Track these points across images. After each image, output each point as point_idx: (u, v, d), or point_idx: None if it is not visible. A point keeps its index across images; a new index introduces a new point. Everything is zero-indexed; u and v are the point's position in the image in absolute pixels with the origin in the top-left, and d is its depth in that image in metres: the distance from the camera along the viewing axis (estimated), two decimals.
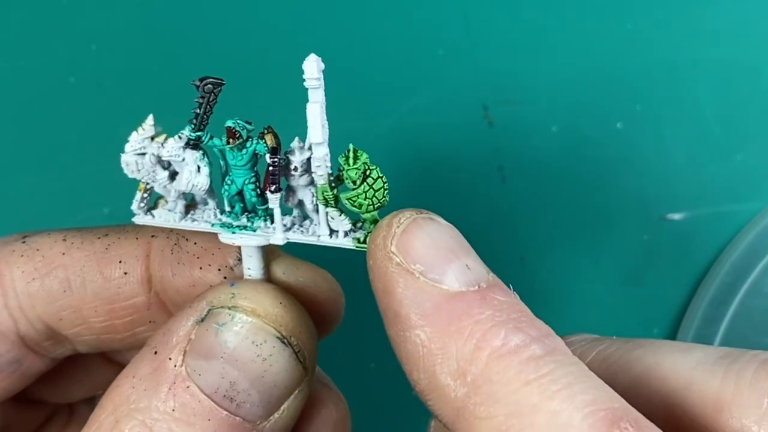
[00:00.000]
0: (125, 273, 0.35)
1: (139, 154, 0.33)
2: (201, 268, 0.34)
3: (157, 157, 0.33)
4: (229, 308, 0.30)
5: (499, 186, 0.53)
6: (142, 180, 0.33)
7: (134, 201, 0.34)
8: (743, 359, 0.27)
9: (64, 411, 0.42)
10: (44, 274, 0.34)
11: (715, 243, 0.52)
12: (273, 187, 0.32)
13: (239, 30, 0.53)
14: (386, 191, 0.31)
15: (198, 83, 0.31)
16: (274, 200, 0.32)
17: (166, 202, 0.34)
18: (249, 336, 0.30)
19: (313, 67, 0.34)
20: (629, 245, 0.52)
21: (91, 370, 0.41)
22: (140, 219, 0.34)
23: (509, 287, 0.27)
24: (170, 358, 0.30)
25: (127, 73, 0.53)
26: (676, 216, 0.53)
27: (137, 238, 0.35)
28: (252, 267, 0.33)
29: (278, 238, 0.33)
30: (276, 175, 0.32)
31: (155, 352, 0.30)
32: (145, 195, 0.34)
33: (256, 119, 0.55)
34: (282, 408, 0.31)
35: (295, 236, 0.33)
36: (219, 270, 0.34)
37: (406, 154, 0.53)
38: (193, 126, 0.32)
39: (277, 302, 0.31)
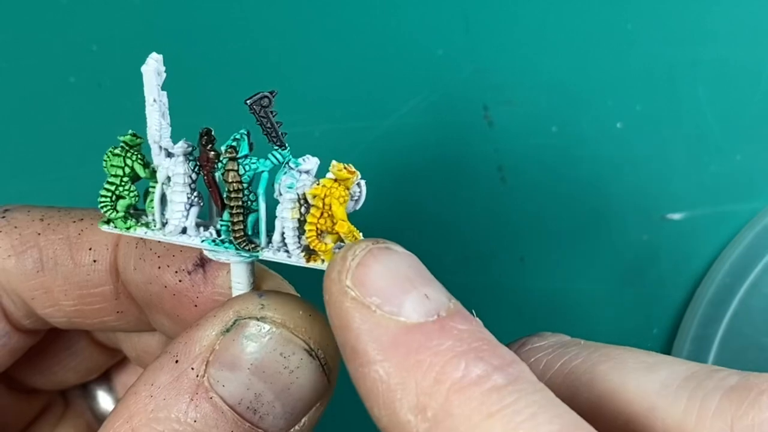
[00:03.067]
0: (94, 261, 0.35)
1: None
2: (159, 267, 0.34)
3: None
4: (258, 319, 0.30)
5: (499, 186, 0.53)
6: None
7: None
8: (709, 385, 0.26)
9: (58, 402, 0.43)
10: (20, 252, 0.35)
11: (715, 243, 0.52)
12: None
13: (239, 30, 0.53)
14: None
15: (248, 103, 0.30)
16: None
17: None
18: (277, 347, 0.30)
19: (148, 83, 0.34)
20: (629, 245, 0.52)
21: (78, 353, 0.41)
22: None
23: (472, 312, 0.27)
24: (192, 368, 0.29)
25: (127, 73, 0.53)
26: (676, 216, 0.53)
27: None
28: (243, 282, 0.33)
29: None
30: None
31: (176, 361, 0.30)
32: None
33: (256, 125, 0.55)
34: (302, 421, 0.30)
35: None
36: (176, 272, 0.34)
37: (405, 154, 0.53)
38: (278, 145, 0.31)
39: (306, 314, 0.31)
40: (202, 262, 0.34)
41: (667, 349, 0.52)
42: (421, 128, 0.53)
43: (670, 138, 0.52)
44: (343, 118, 0.53)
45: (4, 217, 0.36)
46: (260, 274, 0.34)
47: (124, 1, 0.53)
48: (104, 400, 0.44)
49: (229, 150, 0.31)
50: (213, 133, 0.32)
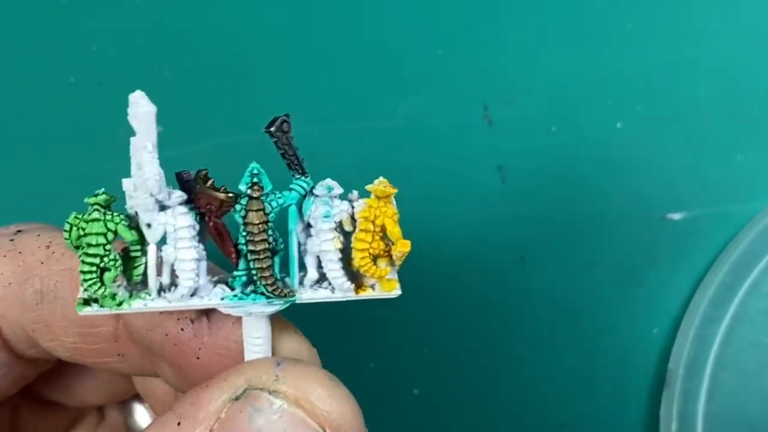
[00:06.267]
0: None
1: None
2: (160, 313, 0.31)
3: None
4: (270, 392, 0.27)
5: (499, 186, 0.53)
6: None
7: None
8: None
9: (93, 414, 0.41)
10: (21, 281, 0.32)
11: (715, 243, 0.52)
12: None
13: (239, 29, 0.53)
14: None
15: (272, 130, 0.27)
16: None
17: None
18: (288, 429, 0.27)
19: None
20: (629, 245, 0.52)
21: (97, 375, 0.39)
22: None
23: None
24: None
25: (127, 73, 0.53)
26: (676, 216, 0.52)
27: None
28: (263, 336, 0.29)
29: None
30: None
31: (178, 423, 0.28)
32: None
33: (257, 121, 0.55)
34: None
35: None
36: (178, 320, 0.31)
37: (405, 154, 0.53)
38: (300, 173, 0.28)
39: (326, 394, 0.27)
40: (206, 310, 0.31)
41: (667, 349, 0.52)
42: (421, 128, 0.53)
43: (670, 138, 0.52)
44: (343, 118, 0.53)
45: (12, 239, 0.33)
46: (277, 328, 0.31)
47: (125, 1, 0.53)
48: (141, 415, 0.42)
49: (255, 188, 0.27)
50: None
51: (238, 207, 0.28)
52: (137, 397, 0.42)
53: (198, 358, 0.31)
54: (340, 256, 0.28)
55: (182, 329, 0.31)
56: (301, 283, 0.29)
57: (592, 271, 0.53)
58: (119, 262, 0.28)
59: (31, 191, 0.53)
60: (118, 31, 0.53)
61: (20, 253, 0.33)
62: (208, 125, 0.52)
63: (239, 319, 0.30)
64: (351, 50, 0.53)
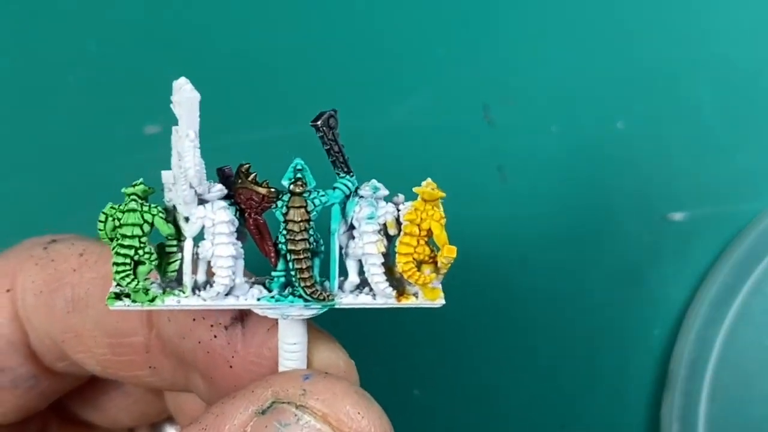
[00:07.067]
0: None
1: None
2: (194, 319, 0.31)
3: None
4: (297, 406, 0.26)
5: (499, 186, 0.52)
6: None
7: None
8: None
9: None
10: (52, 290, 0.32)
11: (716, 243, 0.52)
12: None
13: (238, 28, 0.53)
14: None
15: (319, 124, 0.26)
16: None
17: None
18: None
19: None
20: (630, 245, 0.52)
21: (130, 393, 0.38)
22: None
23: None
24: None
25: (127, 73, 0.53)
26: (677, 216, 0.52)
27: None
28: (299, 342, 0.28)
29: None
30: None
31: None
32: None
33: (256, 122, 0.55)
34: None
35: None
36: (211, 326, 0.30)
37: (405, 154, 0.53)
38: (345, 171, 0.27)
39: (355, 411, 0.27)
40: (241, 316, 0.30)
41: (668, 350, 0.52)
42: (421, 128, 0.53)
43: (671, 138, 0.52)
44: (342, 118, 0.52)
45: (46, 248, 0.33)
46: (313, 336, 0.30)
47: (124, 1, 0.53)
48: None
49: (298, 183, 0.27)
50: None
51: (279, 203, 0.27)
52: (170, 419, 0.41)
53: (231, 367, 0.30)
54: (383, 260, 0.28)
55: (215, 336, 0.30)
56: (340, 287, 0.28)
57: (592, 271, 0.53)
58: (154, 256, 0.27)
59: (28, 190, 0.53)
60: (117, 31, 0.53)
61: (52, 261, 0.32)
62: (207, 126, 0.52)
63: (274, 326, 0.29)
64: (351, 50, 0.53)
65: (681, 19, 0.52)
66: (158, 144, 0.52)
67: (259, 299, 0.28)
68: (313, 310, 0.28)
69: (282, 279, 0.28)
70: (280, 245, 0.27)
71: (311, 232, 0.27)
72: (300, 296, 0.27)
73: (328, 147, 0.27)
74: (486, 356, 0.52)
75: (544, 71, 0.52)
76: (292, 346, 0.28)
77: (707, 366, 0.50)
